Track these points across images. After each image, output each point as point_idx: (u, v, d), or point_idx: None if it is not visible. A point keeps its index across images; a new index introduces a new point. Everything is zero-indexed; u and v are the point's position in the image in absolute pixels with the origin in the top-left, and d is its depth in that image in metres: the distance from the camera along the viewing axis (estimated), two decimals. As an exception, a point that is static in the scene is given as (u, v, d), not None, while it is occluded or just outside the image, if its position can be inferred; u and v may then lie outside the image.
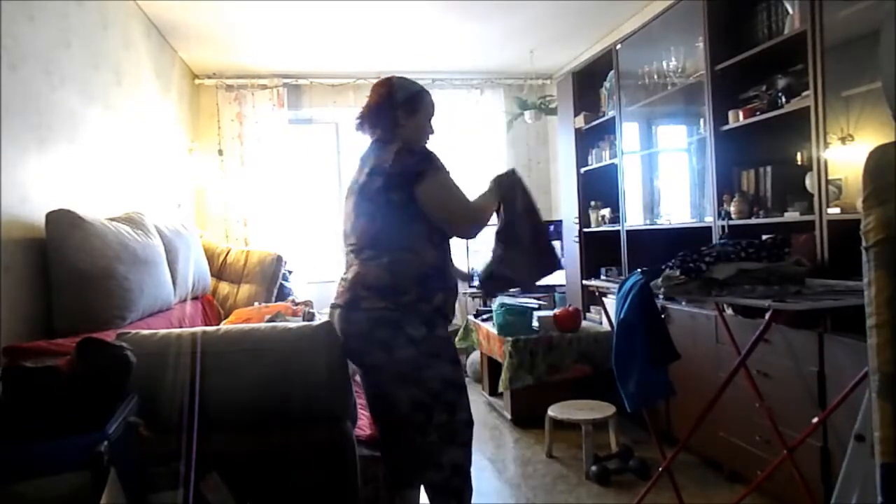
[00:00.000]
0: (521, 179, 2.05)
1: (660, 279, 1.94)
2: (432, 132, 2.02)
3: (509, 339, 3.64)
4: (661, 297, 1.89)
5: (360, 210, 1.87)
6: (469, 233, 1.92)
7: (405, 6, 3.93)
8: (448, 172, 1.86)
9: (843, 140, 2.27)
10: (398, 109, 1.93)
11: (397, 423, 1.88)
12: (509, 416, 3.79)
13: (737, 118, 2.82)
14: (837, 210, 2.26)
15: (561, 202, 5.18)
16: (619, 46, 3.84)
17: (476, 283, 2.08)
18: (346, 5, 3.84)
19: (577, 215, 4.42)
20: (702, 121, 3.16)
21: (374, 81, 2.06)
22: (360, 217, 1.87)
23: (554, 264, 2.07)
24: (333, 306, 1.91)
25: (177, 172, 4.41)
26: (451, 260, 1.96)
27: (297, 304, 3.63)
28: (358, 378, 2.77)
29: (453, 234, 1.91)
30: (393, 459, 1.98)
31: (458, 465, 1.86)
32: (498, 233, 1.98)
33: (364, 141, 2.04)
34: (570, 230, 4.53)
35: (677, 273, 1.87)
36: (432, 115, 2.02)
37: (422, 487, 1.98)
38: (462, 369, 1.94)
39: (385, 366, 1.80)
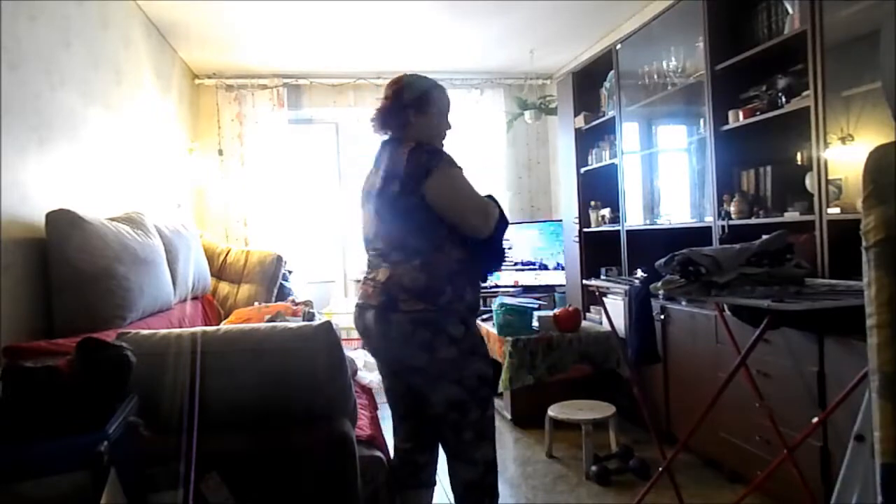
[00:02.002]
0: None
1: (660, 283, 1.94)
2: (448, 128, 2.01)
3: (509, 339, 3.64)
4: (660, 296, 1.89)
5: (383, 215, 1.87)
6: (482, 227, 1.86)
7: (405, 6, 3.93)
8: (459, 169, 1.85)
9: (843, 140, 2.27)
10: (408, 108, 1.91)
11: (433, 422, 1.90)
12: (509, 416, 3.79)
13: (737, 118, 2.82)
14: (837, 210, 2.26)
15: (561, 202, 5.18)
16: (619, 46, 3.84)
17: None
18: (346, 5, 3.84)
19: (577, 215, 4.42)
20: (702, 121, 3.16)
21: (375, 81, 2.07)
22: (385, 222, 1.87)
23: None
24: (364, 307, 1.89)
25: (177, 172, 4.41)
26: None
27: (297, 304, 3.63)
28: (359, 378, 2.78)
29: (466, 230, 1.87)
30: (416, 459, 2.01)
31: (490, 460, 1.89)
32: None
33: (374, 140, 2.03)
34: (570, 230, 4.53)
35: (678, 277, 1.86)
36: (447, 111, 2.00)
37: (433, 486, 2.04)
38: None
39: (426, 367, 1.81)
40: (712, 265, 1.77)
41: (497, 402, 4.08)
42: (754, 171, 2.86)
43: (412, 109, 1.92)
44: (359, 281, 4.85)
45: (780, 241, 1.85)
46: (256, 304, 3.65)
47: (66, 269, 2.15)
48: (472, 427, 1.84)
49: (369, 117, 1.99)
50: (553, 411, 3.20)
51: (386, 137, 1.97)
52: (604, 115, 4.17)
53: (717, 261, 1.77)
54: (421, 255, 1.82)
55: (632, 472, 2.90)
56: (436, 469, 2.05)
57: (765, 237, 1.88)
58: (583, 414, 3.11)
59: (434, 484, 2.05)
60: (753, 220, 2.74)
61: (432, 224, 1.82)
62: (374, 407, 2.66)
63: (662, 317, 3.20)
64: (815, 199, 2.34)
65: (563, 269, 4.78)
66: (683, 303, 3.02)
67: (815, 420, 1.98)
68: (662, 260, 1.94)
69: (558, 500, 2.73)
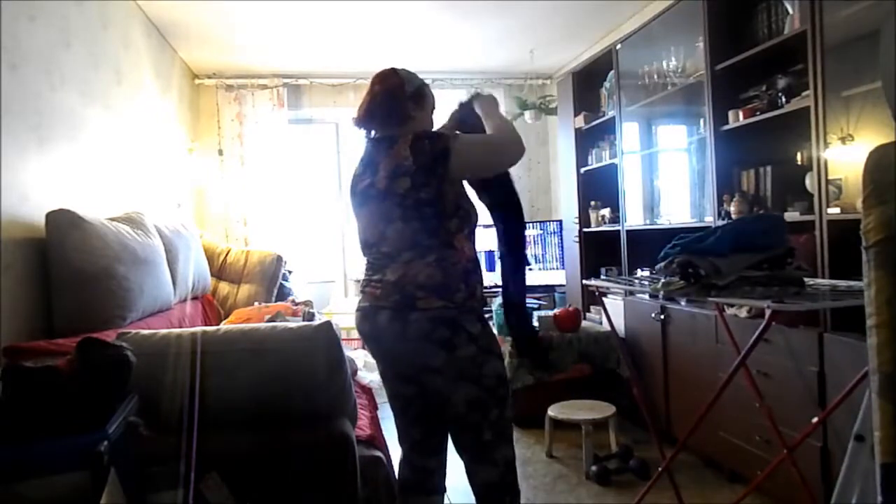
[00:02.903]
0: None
1: (659, 284, 1.94)
2: (432, 127, 1.97)
3: (509, 338, 3.64)
4: (660, 297, 1.88)
5: (389, 215, 1.77)
6: (519, 153, 1.80)
7: (405, 6, 3.93)
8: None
9: (843, 140, 2.27)
10: (409, 102, 1.86)
11: (449, 425, 1.84)
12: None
13: (737, 118, 2.82)
14: (837, 210, 2.26)
15: (561, 202, 5.18)
16: (619, 46, 3.84)
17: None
18: (346, 5, 3.84)
19: (577, 215, 4.42)
20: (702, 121, 3.16)
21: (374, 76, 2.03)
22: (391, 222, 1.77)
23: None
24: (372, 309, 1.79)
25: (177, 172, 4.41)
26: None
27: (297, 304, 3.63)
28: (359, 378, 2.78)
29: (507, 166, 1.84)
30: (427, 465, 1.92)
31: (510, 460, 1.83)
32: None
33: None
34: (570, 230, 4.53)
35: (677, 279, 1.86)
36: (434, 109, 1.97)
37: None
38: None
39: (445, 366, 1.72)
40: (711, 268, 1.77)
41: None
42: (754, 171, 2.86)
43: (412, 103, 1.86)
44: (358, 282, 4.87)
45: (780, 240, 1.84)
46: (256, 304, 3.65)
47: (66, 269, 2.15)
48: (492, 427, 1.77)
49: (357, 113, 1.90)
50: (553, 411, 3.20)
51: (376, 134, 1.89)
52: (604, 115, 4.17)
53: (716, 265, 1.77)
54: (434, 251, 1.74)
55: (632, 472, 2.90)
56: (445, 475, 1.97)
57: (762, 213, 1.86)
58: (583, 414, 3.11)
59: (444, 491, 1.97)
60: (753, 220, 2.74)
61: (444, 220, 1.76)
62: (374, 407, 2.66)
63: (662, 317, 3.20)
64: (815, 199, 2.34)
65: (563, 268, 4.79)
66: (683, 303, 3.03)
67: (814, 420, 1.98)
68: (662, 263, 1.94)
69: (558, 500, 2.73)
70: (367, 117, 1.89)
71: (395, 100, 1.86)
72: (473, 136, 1.83)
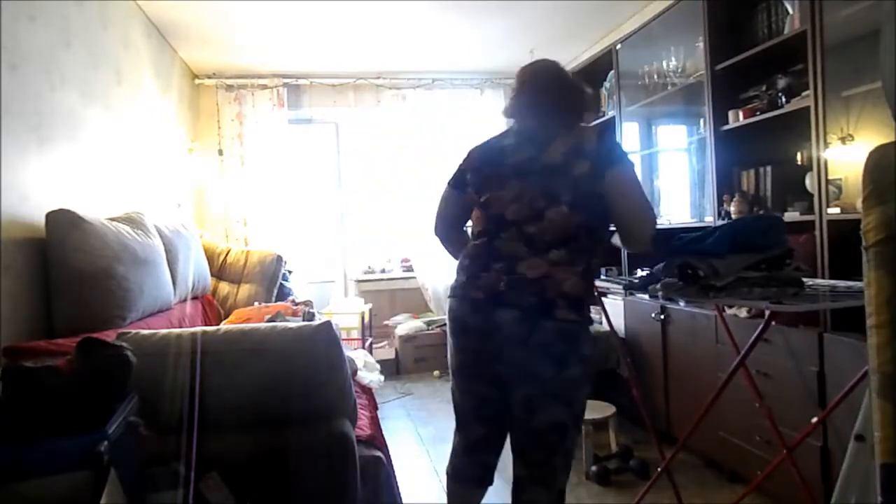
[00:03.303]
0: None
1: (658, 285, 1.94)
2: None
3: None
4: (659, 297, 1.88)
5: (552, 194, 1.60)
6: (643, 241, 1.67)
7: (405, 6, 3.93)
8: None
9: (843, 140, 2.27)
10: (582, 91, 1.82)
11: (524, 438, 1.72)
12: (509, 416, 3.79)
13: (737, 118, 2.82)
14: (837, 210, 2.26)
15: (561, 202, 5.17)
16: (619, 46, 3.84)
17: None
18: (346, 5, 3.84)
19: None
20: (702, 121, 3.16)
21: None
22: (554, 205, 1.60)
23: None
24: (495, 305, 1.63)
25: (177, 172, 4.41)
26: None
27: (297, 304, 3.63)
28: (359, 378, 2.77)
29: (624, 239, 1.69)
30: (489, 461, 1.86)
31: (564, 488, 1.75)
32: None
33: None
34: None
35: (676, 280, 1.86)
36: None
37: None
38: None
39: (552, 380, 1.61)
40: (709, 269, 1.77)
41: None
42: (754, 171, 2.86)
43: (582, 93, 1.80)
44: (359, 281, 4.89)
45: (779, 241, 1.84)
46: (256, 304, 3.65)
47: (66, 269, 2.15)
48: (564, 456, 1.69)
49: (523, 98, 1.81)
50: (553, 411, 3.19)
51: (546, 121, 1.75)
52: (604, 115, 4.17)
53: (714, 266, 1.77)
54: (587, 256, 1.63)
55: (632, 472, 2.90)
56: (496, 469, 1.90)
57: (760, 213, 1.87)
58: (583, 414, 3.10)
59: (492, 483, 1.90)
60: (753, 220, 2.74)
61: (605, 221, 1.66)
62: (374, 407, 2.66)
63: (662, 317, 3.20)
64: (815, 199, 2.34)
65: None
66: (682, 303, 3.03)
67: (814, 420, 1.98)
68: (661, 264, 1.94)
69: (558, 500, 2.73)
70: (554, 101, 1.76)
71: (571, 87, 1.81)
72: (637, 178, 1.69)
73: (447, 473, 1.93)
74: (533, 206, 1.63)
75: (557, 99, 1.76)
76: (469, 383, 1.81)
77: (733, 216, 2.81)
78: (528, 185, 1.66)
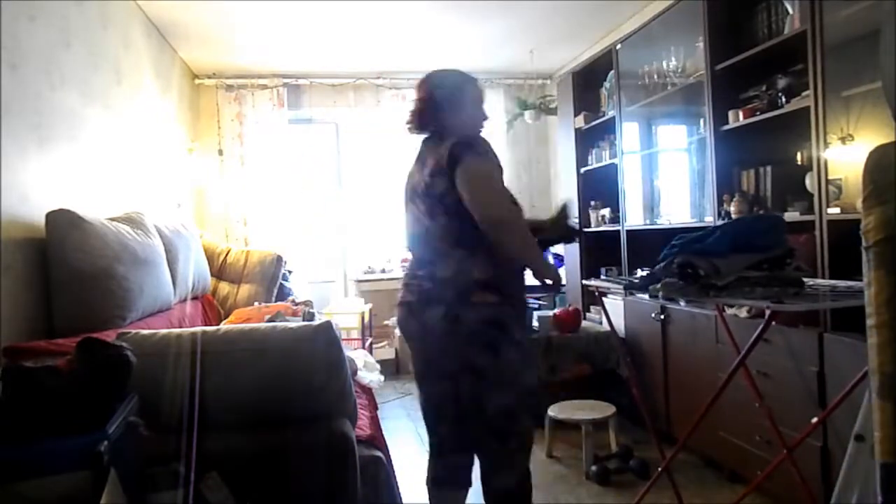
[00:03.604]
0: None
1: (658, 285, 1.94)
2: (485, 118, 2.03)
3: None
4: (660, 297, 1.88)
5: (434, 213, 1.82)
6: (494, 229, 1.76)
7: (405, 6, 3.93)
8: (493, 160, 1.81)
9: (843, 140, 2.27)
10: (443, 106, 1.91)
11: (479, 427, 1.87)
12: (509, 416, 3.79)
13: (737, 118, 2.82)
14: (837, 210, 2.26)
15: (561, 202, 5.17)
16: (619, 46, 3.84)
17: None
18: (346, 5, 3.84)
19: (577, 215, 4.42)
20: (702, 121, 3.16)
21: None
22: (436, 219, 1.83)
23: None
24: (418, 304, 1.85)
25: (177, 172, 4.41)
26: None
27: (297, 304, 3.63)
28: (359, 378, 2.78)
29: (482, 227, 1.76)
30: (459, 461, 1.98)
31: (528, 469, 1.88)
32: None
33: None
34: (570, 230, 4.52)
35: (676, 279, 1.86)
36: (481, 100, 2.02)
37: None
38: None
39: (489, 369, 1.78)
40: (710, 268, 1.77)
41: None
42: (754, 171, 2.86)
43: (447, 106, 1.91)
44: (359, 281, 4.89)
45: (779, 240, 1.84)
46: (256, 304, 3.65)
47: (66, 269, 2.15)
48: (517, 438, 1.84)
49: (406, 120, 1.98)
50: (553, 411, 3.20)
51: (426, 136, 1.96)
52: (604, 115, 4.17)
53: (715, 265, 1.77)
54: (484, 245, 1.76)
55: (632, 472, 2.90)
56: (472, 470, 2.01)
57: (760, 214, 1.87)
58: (583, 414, 3.11)
59: (471, 484, 2.01)
60: (753, 220, 2.73)
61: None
62: (374, 407, 2.66)
63: (662, 317, 3.20)
64: (815, 199, 2.34)
65: (563, 268, 4.78)
66: (682, 303, 3.02)
67: (814, 420, 1.98)
68: (661, 264, 1.94)
69: (558, 500, 2.73)
70: (411, 123, 1.98)
71: (429, 106, 1.94)
72: (484, 170, 1.79)
73: (426, 483, 2.02)
74: (424, 227, 1.88)
75: (423, 123, 1.98)
76: (432, 388, 1.96)
77: (733, 216, 2.81)
78: (418, 209, 1.90)
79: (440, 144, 1.83)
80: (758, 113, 2.71)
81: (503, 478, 1.83)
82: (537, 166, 5.91)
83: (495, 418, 1.80)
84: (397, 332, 1.90)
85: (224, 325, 2.79)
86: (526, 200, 5.85)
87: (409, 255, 2.00)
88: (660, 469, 2.32)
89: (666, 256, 1.90)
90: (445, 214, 1.80)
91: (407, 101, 5.39)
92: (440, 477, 1.98)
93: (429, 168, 1.83)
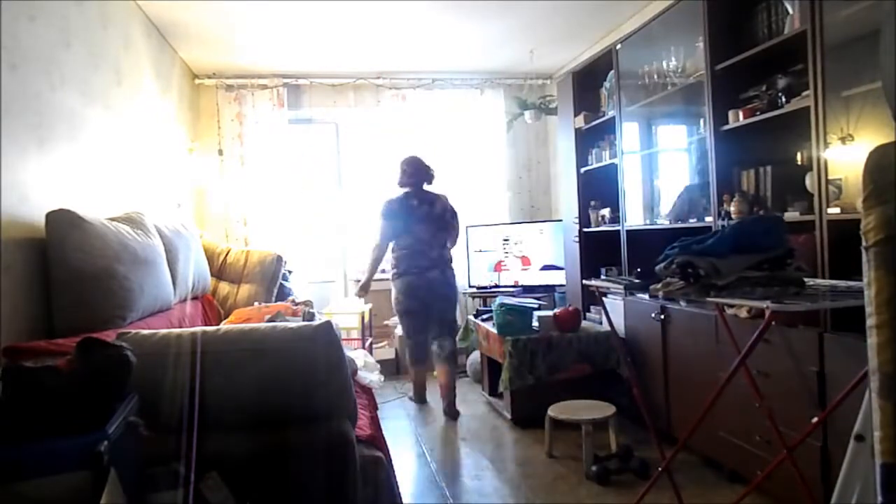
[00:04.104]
0: None
1: (659, 285, 1.94)
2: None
3: (509, 338, 3.64)
4: (660, 297, 1.88)
5: (439, 228, 4.15)
6: (456, 241, 4.41)
7: (405, 6, 3.93)
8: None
9: (843, 140, 2.27)
10: (430, 174, 4.23)
11: (440, 323, 4.18)
12: (509, 416, 3.80)
13: (737, 118, 2.82)
14: (837, 210, 2.26)
15: (561, 202, 5.18)
16: (619, 46, 3.84)
17: None
18: (346, 5, 3.84)
19: (577, 215, 4.42)
20: (702, 121, 3.15)
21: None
22: (440, 232, 4.16)
23: None
24: (428, 268, 4.07)
25: (177, 172, 4.41)
26: None
27: (297, 304, 3.63)
28: (359, 378, 2.78)
29: (452, 239, 4.32)
30: (427, 344, 4.22)
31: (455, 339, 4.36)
32: None
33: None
34: (570, 230, 4.53)
35: (676, 279, 1.86)
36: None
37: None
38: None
39: (451, 295, 4.22)
40: (710, 268, 1.77)
41: (497, 402, 4.10)
42: (754, 171, 2.86)
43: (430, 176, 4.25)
44: (359, 281, 4.88)
45: (780, 241, 1.84)
46: (256, 304, 3.65)
47: (66, 269, 2.15)
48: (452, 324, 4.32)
49: (410, 180, 4.17)
50: (553, 411, 3.20)
51: (420, 187, 4.17)
52: (604, 115, 4.17)
53: (715, 265, 1.77)
54: (447, 246, 4.23)
55: (632, 472, 2.90)
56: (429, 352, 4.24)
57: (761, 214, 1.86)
58: (583, 414, 3.11)
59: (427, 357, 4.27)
60: (753, 220, 2.73)
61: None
62: (374, 407, 2.66)
63: (662, 317, 3.20)
64: (815, 199, 2.34)
65: (563, 268, 4.79)
66: (683, 303, 3.02)
67: (814, 420, 1.98)
68: (661, 264, 1.94)
69: (558, 500, 2.73)
70: (416, 180, 4.18)
71: (427, 174, 4.20)
72: (457, 219, 4.33)
73: (409, 362, 4.35)
74: (431, 234, 4.13)
75: (421, 183, 4.20)
76: (419, 306, 4.13)
77: (733, 216, 2.81)
78: (430, 226, 4.12)
79: (438, 196, 4.19)
80: (758, 113, 2.71)
81: (447, 339, 4.15)
82: (537, 166, 5.91)
83: (451, 318, 4.24)
84: (394, 290, 4.24)
85: (224, 325, 2.79)
86: (526, 200, 5.86)
87: (408, 249, 4.12)
88: (660, 469, 2.31)
89: (666, 256, 1.90)
90: (445, 230, 4.17)
91: (407, 101, 5.42)
92: (417, 356, 4.26)
93: (438, 209, 4.14)
